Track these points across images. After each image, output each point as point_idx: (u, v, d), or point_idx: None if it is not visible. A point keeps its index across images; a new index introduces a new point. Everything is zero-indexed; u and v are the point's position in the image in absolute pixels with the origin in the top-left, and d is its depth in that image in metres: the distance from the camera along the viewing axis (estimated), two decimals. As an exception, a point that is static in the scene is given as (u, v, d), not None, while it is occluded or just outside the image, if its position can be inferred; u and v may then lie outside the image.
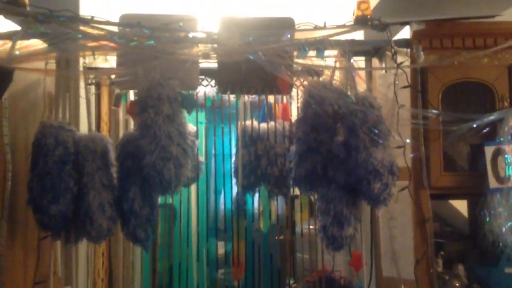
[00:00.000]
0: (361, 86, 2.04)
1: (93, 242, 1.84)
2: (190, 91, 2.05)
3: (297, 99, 2.37)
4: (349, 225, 1.83)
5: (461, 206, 2.37)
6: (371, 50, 2.19)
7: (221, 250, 2.80)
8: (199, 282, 2.48)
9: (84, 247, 2.15)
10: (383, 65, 2.16)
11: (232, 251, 2.50)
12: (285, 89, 2.06)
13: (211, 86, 2.31)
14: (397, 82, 1.90)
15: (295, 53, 2.02)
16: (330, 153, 1.84)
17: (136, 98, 1.83)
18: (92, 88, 2.22)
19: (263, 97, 2.53)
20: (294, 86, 2.09)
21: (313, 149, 1.85)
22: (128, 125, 2.34)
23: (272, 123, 2.45)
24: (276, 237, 2.72)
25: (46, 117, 1.91)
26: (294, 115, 2.50)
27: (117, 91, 2.27)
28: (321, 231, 1.87)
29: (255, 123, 2.45)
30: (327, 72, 2.23)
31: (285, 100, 2.46)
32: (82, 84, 2.04)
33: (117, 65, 1.95)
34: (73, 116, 2.02)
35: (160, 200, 2.06)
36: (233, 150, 2.47)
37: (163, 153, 1.72)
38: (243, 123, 2.41)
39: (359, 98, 1.83)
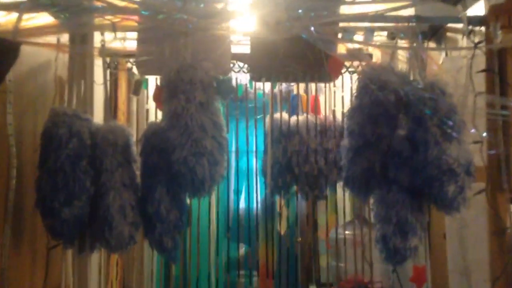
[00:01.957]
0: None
1: (112, 252, 1.56)
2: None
3: (342, 86, 2.11)
4: (414, 234, 1.55)
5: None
6: (428, 32, 1.90)
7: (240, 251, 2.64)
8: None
9: (95, 255, 1.90)
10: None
11: (254, 257, 2.28)
12: (337, 71, 1.79)
13: (244, 72, 2.04)
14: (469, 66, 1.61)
15: (339, 35, 1.76)
16: (391, 149, 1.57)
17: (163, 82, 1.56)
18: (108, 74, 1.95)
19: (290, 89, 2.32)
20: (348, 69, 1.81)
21: (371, 144, 1.58)
22: (149, 116, 2.08)
23: (304, 116, 2.21)
24: (299, 239, 2.51)
25: (58, 104, 1.64)
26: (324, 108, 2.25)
27: (136, 76, 2.01)
28: (380, 241, 1.59)
29: (286, 116, 2.21)
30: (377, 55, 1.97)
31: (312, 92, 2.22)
32: (98, 67, 1.76)
33: (138, 44, 1.67)
34: (89, 104, 1.74)
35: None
36: (254, 146, 2.25)
37: (196, 148, 1.47)
38: (273, 116, 2.17)
39: (427, 83, 1.54)
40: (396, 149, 1.56)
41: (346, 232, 2.49)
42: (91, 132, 1.53)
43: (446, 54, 1.88)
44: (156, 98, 1.68)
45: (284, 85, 2.31)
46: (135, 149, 1.60)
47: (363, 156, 1.58)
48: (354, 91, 1.67)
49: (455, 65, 1.71)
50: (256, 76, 2.01)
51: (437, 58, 1.90)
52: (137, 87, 1.98)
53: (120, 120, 2.04)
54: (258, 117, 2.29)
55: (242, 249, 2.75)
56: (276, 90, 2.23)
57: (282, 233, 2.43)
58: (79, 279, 1.72)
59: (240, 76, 2.06)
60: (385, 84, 1.54)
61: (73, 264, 1.69)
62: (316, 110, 2.28)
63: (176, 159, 1.47)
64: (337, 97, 2.18)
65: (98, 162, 1.51)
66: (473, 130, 1.55)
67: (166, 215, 1.54)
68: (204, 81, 1.52)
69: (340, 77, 2.03)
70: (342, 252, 2.37)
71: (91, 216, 1.50)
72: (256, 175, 2.37)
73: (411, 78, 1.61)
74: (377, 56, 2.00)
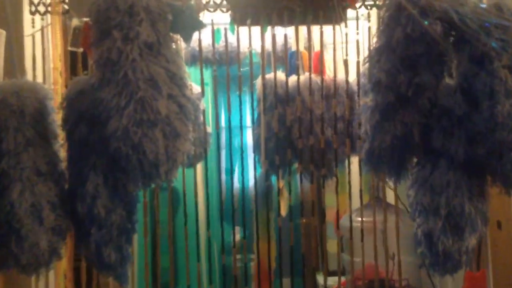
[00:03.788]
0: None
1: (26, 274, 1.06)
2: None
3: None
4: (473, 231, 1.07)
5: None
6: None
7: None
8: (212, 276, 1.89)
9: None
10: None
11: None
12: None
13: (222, 11, 1.52)
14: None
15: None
16: (436, 107, 1.11)
17: (91, 16, 1.03)
18: (37, 20, 1.42)
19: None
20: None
21: (406, 101, 1.11)
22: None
23: (306, 75, 1.70)
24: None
25: None
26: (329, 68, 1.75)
27: (75, 22, 1.48)
28: (424, 242, 1.09)
29: (282, 75, 1.70)
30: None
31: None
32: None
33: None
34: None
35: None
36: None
37: (143, 113, 0.96)
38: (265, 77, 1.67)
39: (491, 4, 1.03)
40: (445, 105, 1.10)
41: (359, 218, 2.04)
42: (-16, 94, 1.02)
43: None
44: (85, 42, 1.15)
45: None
46: (56, 119, 1.08)
47: (395, 119, 1.10)
48: (379, 24, 1.14)
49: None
50: (239, 17, 1.49)
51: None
52: (76, 37, 1.45)
53: (58, 82, 1.52)
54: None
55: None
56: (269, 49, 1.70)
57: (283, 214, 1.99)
58: None
59: (217, 18, 1.53)
60: (428, 8, 1.02)
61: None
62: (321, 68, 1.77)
63: (113, 132, 0.96)
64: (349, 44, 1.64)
65: (-5, 139, 1.01)
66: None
67: (105, 216, 1.04)
68: (152, 10, 1.01)
69: (354, 13, 1.49)
70: (357, 243, 1.92)
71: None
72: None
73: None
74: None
